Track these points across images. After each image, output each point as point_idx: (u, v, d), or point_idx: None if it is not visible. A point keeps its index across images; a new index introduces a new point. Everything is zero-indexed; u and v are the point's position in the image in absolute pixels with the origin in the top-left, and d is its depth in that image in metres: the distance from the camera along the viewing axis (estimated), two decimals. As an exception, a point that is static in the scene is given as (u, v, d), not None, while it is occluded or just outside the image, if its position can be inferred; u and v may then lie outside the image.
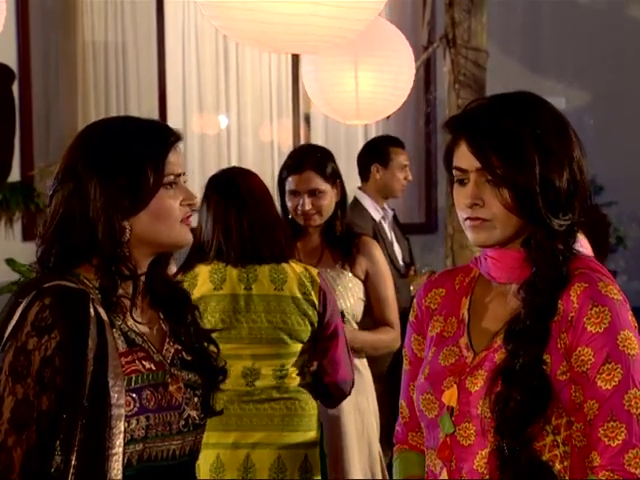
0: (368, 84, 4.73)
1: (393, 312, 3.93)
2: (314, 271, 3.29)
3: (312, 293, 3.23)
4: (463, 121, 2.00)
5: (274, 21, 3.43)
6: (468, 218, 1.96)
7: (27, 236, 7.16)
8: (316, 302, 3.23)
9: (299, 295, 3.22)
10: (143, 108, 7.63)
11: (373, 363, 4.11)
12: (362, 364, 3.93)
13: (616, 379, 1.87)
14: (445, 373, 1.99)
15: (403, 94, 4.91)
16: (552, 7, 8.08)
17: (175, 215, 1.97)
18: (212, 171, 3.56)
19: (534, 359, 1.89)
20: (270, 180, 7.68)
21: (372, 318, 3.94)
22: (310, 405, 3.27)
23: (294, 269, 3.25)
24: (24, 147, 7.38)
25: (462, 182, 1.97)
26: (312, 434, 3.26)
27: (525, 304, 1.93)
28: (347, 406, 3.80)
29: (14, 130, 7.07)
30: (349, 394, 3.37)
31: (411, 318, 2.15)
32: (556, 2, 8.08)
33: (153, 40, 7.78)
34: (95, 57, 7.80)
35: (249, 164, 8.04)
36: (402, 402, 2.17)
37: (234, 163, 8.00)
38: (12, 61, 7.21)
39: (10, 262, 5.91)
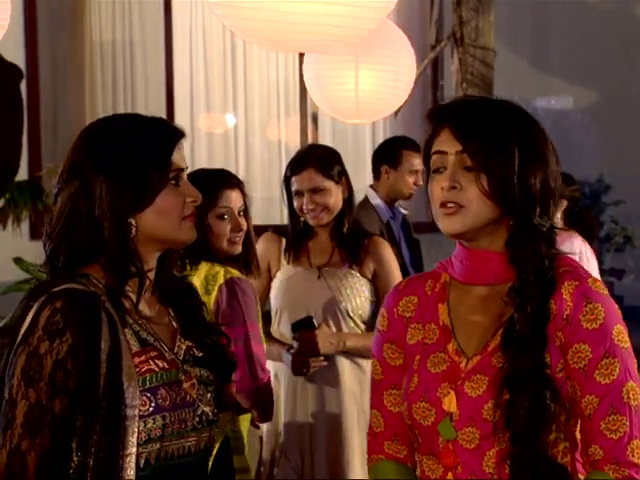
0: (368, 83, 4.73)
1: (400, 313, 3.91)
2: (222, 273, 3.19)
3: (207, 297, 3.14)
4: (448, 108, 2.03)
5: (285, 20, 3.42)
6: (443, 204, 1.96)
7: (35, 235, 7.18)
8: (210, 306, 3.13)
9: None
10: (150, 107, 7.64)
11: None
12: (368, 363, 3.89)
13: (614, 373, 1.89)
14: (438, 380, 1.99)
15: (404, 93, 4.91)
16: (560, 6, 8.07)
17: (179, 212, 1.98)
18: (219, 170, 3.56)
19: (536, 364, 1.90)
20: (277, 179, 7.72)
21: (379, 318, 3.93)
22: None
23: (202, 270, 3.19)
24: (32, 146, 7.39)
25: (439, 171, 1.98)
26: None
27: (517, 309, 1.94)
28: (350, 407, 3.79)
29: (22, 129, 7.08)
30: (252, 406, 3.24)
31: (381, 327, 2.13)
32: (563, 1, 8.08)
33: (161, 39, 7.79)
34: (102, 56, 7.82)
35: (256, 163, 8.06)
36: (375, 411, 2.15)
37: (241, 162, 8.01)
38: (20, 60, 7.23)
39: (18, 261, 5.92)
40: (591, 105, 7.90)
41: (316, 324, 3.71)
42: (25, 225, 6.86)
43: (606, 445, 1.89)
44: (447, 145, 1.97)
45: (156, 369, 1.93)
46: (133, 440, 1.86)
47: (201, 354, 2.05)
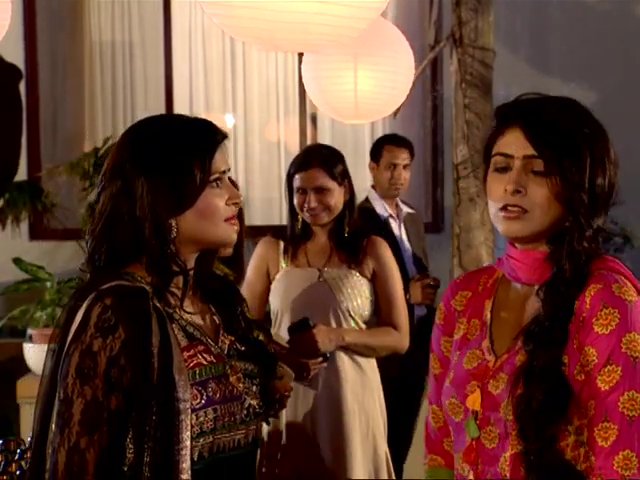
0: (367, 83, 4.73)
1: (400, 313, 3.90)
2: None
3: None
4: (521, 109, 2.00)
5: (276, 19, 3.41)
6: (506, 206, 1.95)
7: (34, 235, 7.17)
8: None
9: None
10: (150, 107, 7.64)
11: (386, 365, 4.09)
12: (369, 363, 3.90)
13: (614, 381, 1.86)
14: (468, 377, 2.00)
15: (402, 94, 4.92)
16: (559, 7, 8.07)
17: (220, 214, 2.00)
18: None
19: (553, 360, 1.88)
20: (277, 180, 7.71)
21: (378, 318, 3.92)
22: None
23: None
24: (31, 146, 7.38)
25: (503, 170, 1.97)
26: None
27: (544, 305, 1.93)
28: (351, 406, 3.79)
29: (21, 129, 7.07)
30: None
31: (438, 321, 2.15)
32: (563, 2, 8.07)
33: (160, 40, 7.78)
34: (102, 57, 7.81)
35: (255, 164, 8.05)
36: (434, 407, 2.16)
37: (241, 163, 8.00)
38: (19, 60, 7.22)
39: (17, 261, 5.92)
40: (591, 105, 7.88)
41: (312, 324, 3.70)
42: (24, 225, 6.85)
43: (597, 453, 1.86)
44: (514, 148, 1.95)
45: (204, 362, 1.96)
46: (187, 434, 1.87)
47: (243, 348, 2.07)
